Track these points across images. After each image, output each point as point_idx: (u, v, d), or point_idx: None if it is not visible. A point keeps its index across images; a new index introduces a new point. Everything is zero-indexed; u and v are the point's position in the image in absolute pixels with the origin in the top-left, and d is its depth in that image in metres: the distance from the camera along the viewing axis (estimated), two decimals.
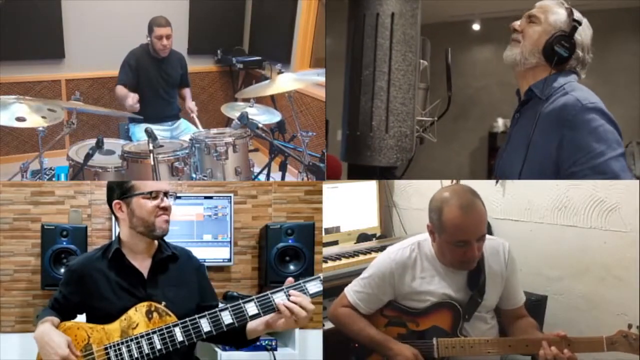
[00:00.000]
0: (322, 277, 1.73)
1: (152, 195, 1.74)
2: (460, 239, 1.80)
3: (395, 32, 1.80)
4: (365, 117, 1.85)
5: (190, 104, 4.06)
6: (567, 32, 1.79)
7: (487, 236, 1.92)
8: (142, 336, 1.67)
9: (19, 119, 2.73)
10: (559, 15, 1.83)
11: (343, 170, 2.98)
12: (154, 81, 3.82)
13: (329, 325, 2.25)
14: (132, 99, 3.58)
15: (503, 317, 2.02)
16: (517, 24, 1.88)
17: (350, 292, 2.02)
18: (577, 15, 1.81)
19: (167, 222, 1.76)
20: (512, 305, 2.01)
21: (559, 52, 1.78)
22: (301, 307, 1.64)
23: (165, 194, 1.77)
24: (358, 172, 2.05)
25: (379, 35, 1.81)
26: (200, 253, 2.80)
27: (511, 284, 1.99)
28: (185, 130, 3.90)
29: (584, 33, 1.84)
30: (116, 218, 1.80)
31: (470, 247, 1.80)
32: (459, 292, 1.92)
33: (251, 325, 1.73)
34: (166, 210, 1.75)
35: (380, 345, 1.91)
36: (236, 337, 1.77)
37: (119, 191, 1.77)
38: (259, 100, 3.76)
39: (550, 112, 1.75)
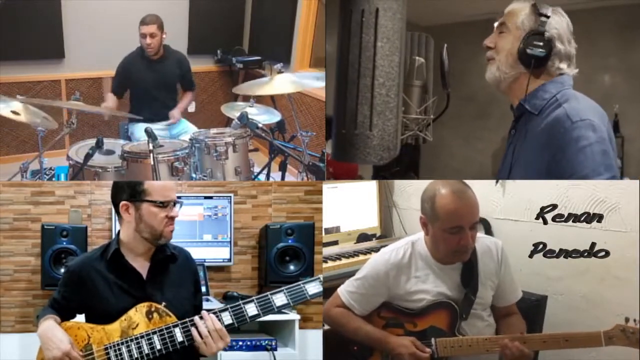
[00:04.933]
0: (322, 278, 1.74)
1: (164, 204, 1.73)
2: (454, 224, 1.81)
3: (380, 29, 1.79)
4: (351, 115, 1.84)
5: (181, 104, 3.98)
6: (536, 30, 1.68)
7: (480, 235, 1.95)
8: (142, 336, 1.67)
9: (14, 112, 2.73)
10: (523, 15, 1.72)
11: (366, 170, 2.99)
12: (146, 84, 3.80)
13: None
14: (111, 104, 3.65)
15: (494, 314, 2.02)
16: (488, 40, 1.80)
17: (344, 292, 2.02)
18: (544, 8, 1.70)
19: (172, 231, 1.76)
20: (504, 303, 2.02)
21: (533, 54, 1.67)
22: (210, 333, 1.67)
23: (175, 202, 1.76)
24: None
25: (364, 32, 1.79)
26: (200, 253, 2.81)
27: (504, 282, 2.00)
28: (184, 128, 3.90)
29: (558, 24, 1.71)
30: (119, 218, 1.78)
31: (464, 234, 1.81)
32: (453, 290, 1.92)
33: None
34: (173, 219, 1.75)
35: (378, 341, 1.92)
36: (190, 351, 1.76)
37: (129, 192, 1.74)
38: (259, 100, 3.77)
39: (542, 130, 1.66)
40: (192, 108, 4.03)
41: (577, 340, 1.76)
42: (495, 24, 1.81)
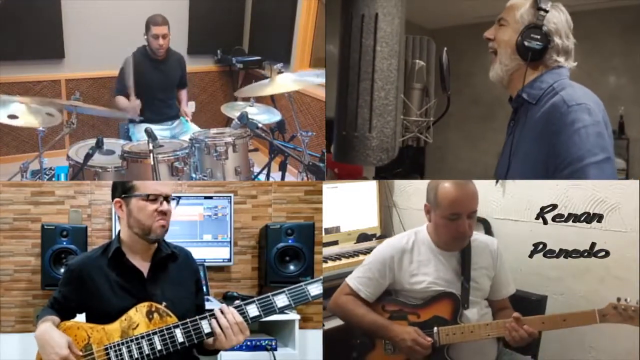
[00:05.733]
0: (323, 279, 1.75)
1: (151, 198, 1.73)
2: (453, 211, 1.93)
3: (379, 33, 1.83)
4: (351, 117, 1.89)
5: (186, 108, 4.06)
6: (535, 24, 1.71)
7: (478, 234, 2.06)
8: (142, 337, 1.67)
9: (11, 117, 2.71)
10: (523, 9, 1.75)
11: (371, 171, 3.01)
12: (151, 84, 3.80)
13: (329, 325, 2.26)
14: (133, 110, 3.60)
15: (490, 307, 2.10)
16: (488, 32, 1.83)
17: (351, 279, 2.09)
18: (543, 2, 1.72)
19: (164, 227, 1.75)
20: (498, 297, 2.10)
21: (530, 46, 1.70)
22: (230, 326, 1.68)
23: (166, 198, 1.75)
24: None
25: (364, 36, 1.84)
26: (200, 253, 2.81)
27: (499, 276, 2.09)
28: (185, 128, 3.90)
29: (557, 18, 1.74)
30: (118, 216, 1.80)
31: (461, 222, 1.93)
32: (452, 275, 2.01)
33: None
34: (165, 214, 1.74)
35: (382, 328, 1.98)
36: (197, 347, 1.78)
37: (121, 189, 1.77)
38: (259, 100, 3.76)
39: (539, 118, 1.69)
40: (192, 108, 4.04)
41: (574, 320, 1.83)
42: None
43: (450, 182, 1.96)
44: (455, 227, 1.94)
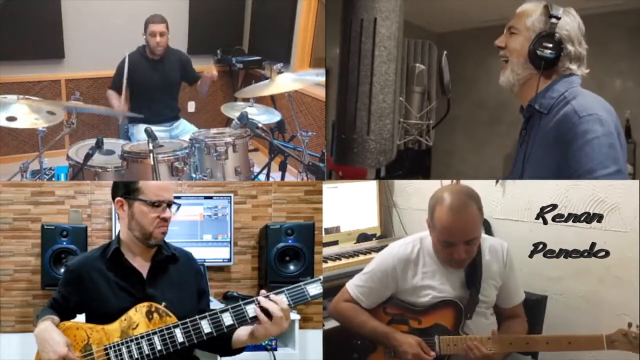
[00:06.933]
0: (322, 279, 1.74)
1: (156, 204, 1.74)
2: (446, 239, 1.85)
3: (378, 37, 1.84)
4: (350, 120, 1.91)
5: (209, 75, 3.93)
6: (547, 32, 1.69)
7: (487, 236, 1.97)
8: (142, 337, 1.67)
9: (10, 119, 2.70)
10: (534, 17, 1.73)
11: (374, 173, 3.01)
12: (148, 84, 3.79)
13: (329, 325, 2.25)
14: (117, 101, 3.58)
15: (497, 314, 2.04)
16: (499, 40, 1.80)
17: (352, 286, 2.04)
18: (554, 10, 1.70)
19: (164, 233, 1.76)
20: (507, 304, 2.04)
21: (543, 55, 1.68)
22: (274, 310, 1.65)
23: (169, 204, 1.76)
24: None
25: (363, 40, 1.85)
26: (200, 253, 2.81)
27: (508, 283, 2.02)
28: (184, 130, 3.90)
29: (569, 25, 1.71)
30: (117, 215, 1.79)
31: (456, 249, 1.84)
32: (458, 288, 1.95)
33: (237, 333, 1.74)
34: (166, 221, 1.75)
35: (384, 336, 1.93)
36: (221, 345, 1.77)
37: (124, 189, 1.76)
38: (259, 100, 3.76)
39: (551, 128, 1.67)
40: (192, 108, 4.03)
41: (580, 343, 1.78)
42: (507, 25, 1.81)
43: (447, 204, 1.83)
44: (450, 251, 1.87)
